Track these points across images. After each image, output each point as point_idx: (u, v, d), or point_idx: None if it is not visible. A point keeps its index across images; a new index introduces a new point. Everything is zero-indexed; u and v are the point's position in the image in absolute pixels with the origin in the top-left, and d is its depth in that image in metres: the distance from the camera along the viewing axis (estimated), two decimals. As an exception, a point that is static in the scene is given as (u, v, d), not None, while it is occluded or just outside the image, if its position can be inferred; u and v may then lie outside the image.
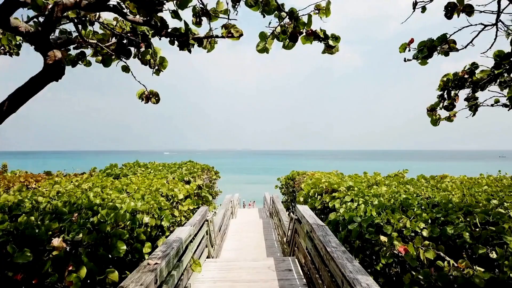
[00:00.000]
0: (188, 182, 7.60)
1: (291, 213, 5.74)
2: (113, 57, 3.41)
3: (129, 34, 3.20)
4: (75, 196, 4.63)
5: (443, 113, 4.18)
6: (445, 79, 3.82)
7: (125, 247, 2.86)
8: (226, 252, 7.89)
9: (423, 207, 4.49)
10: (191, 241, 4.10)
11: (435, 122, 4.00)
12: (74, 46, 3.24)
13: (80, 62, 3.35)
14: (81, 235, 2.88)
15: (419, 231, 3.71)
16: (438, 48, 3.39)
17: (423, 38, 3.60)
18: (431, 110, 4.16)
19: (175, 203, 5.59)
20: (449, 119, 3.97)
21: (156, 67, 3.34)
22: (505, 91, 3.50)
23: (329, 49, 2.93)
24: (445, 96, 3.92)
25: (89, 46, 3.26)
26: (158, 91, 3.48)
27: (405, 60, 3.51)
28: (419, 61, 3.45)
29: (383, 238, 3.34)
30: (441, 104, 4.00)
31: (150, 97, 3.50)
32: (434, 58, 3.51)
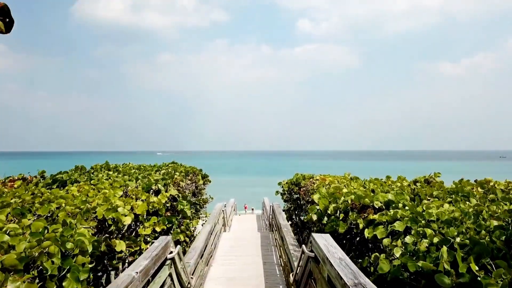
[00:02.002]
0: (158, 192, 5.58)
1: (304, 246, 3.72)
2: None
3: None
4: None
5: None
6: None
7: None
8: (212, 286, 5.89)
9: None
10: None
11: None
12: None
13: None
14: None
15: None
16: None
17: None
18: None
19: (123, 230, 3.58)
20: None
21: None
22: None
23: None
24: None
25: None
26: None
27: None
28: None
29: None
30: None
31: (-8, 17, 1.52)
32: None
